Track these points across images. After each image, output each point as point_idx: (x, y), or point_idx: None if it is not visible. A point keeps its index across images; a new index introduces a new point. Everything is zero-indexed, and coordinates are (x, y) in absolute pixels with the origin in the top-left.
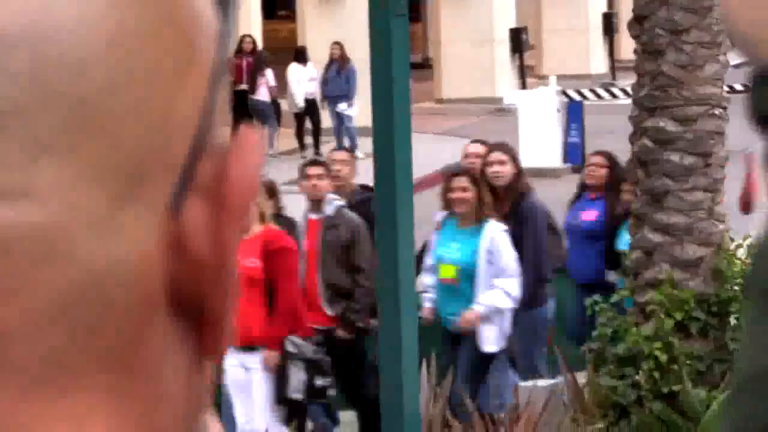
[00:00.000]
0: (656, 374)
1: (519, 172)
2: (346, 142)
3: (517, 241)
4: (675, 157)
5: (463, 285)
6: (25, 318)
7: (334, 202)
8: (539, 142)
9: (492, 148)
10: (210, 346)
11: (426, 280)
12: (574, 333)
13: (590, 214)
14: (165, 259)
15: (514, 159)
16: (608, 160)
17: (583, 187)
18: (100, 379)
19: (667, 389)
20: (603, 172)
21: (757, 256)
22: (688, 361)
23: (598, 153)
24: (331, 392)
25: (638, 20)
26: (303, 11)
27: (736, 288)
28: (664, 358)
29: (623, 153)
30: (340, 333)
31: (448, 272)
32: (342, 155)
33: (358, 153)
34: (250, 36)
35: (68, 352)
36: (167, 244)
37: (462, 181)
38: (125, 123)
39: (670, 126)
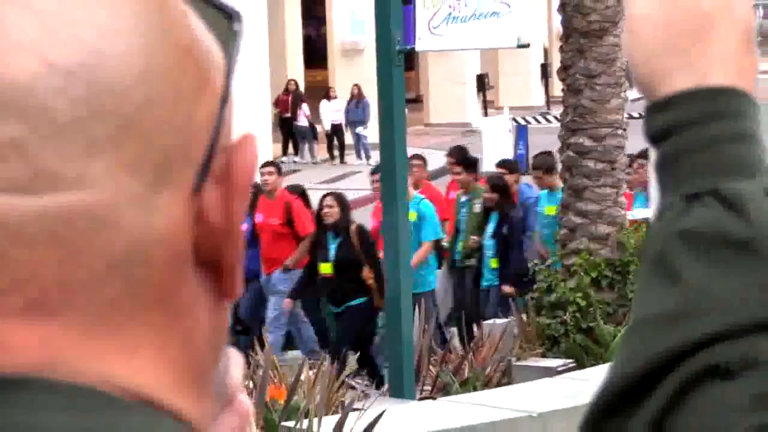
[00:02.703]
0: (578, 315)
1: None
2: (363, 154)
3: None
4: (590, 164)
5: None
6: (90, 272)
7: None
8: (497, 155)
9: None
10: (226, 291)
11: None
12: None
13: None
14: (191, 228)
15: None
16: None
17: None
18: (146, 319)
19: (586, 325)
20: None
21: (646, 234)
22: (600, 306)
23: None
24: None
25: (565, 68)
26: (333, 61)
27: (633, 255)
28: (583, 303)
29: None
30: None
31: None
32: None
33: (371, 162)
34: (294, 80)
35: (124, 298)
36: (192, 216)
37: None
38: (156, 130)
39: (587, 142)
